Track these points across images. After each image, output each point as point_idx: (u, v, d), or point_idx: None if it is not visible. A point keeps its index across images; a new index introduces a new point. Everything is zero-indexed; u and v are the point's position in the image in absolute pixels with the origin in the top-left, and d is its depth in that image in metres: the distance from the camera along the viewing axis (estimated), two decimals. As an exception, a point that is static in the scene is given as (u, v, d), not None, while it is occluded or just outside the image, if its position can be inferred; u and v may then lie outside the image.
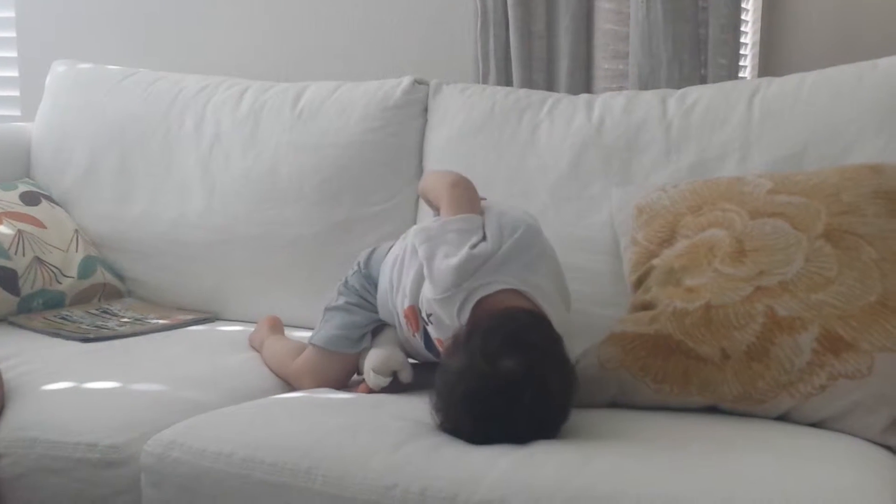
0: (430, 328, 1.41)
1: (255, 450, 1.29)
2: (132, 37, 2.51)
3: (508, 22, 2.08)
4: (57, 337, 1.82)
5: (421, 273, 1.41)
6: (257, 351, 1.79)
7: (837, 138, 1.62)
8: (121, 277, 2.12)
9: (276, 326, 1.87)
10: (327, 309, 1.63)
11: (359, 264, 1.65)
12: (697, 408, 1.42)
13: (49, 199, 2.14)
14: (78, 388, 1.53)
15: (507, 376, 1.24)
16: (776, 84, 1.73)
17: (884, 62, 1.65)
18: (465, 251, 1.36)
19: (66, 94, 2.28)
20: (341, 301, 1.62)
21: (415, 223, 1.94)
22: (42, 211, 2.07)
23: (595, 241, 1.73)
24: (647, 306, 1.48)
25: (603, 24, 2.05)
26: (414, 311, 1.44)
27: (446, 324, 1.36)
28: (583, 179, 1.80)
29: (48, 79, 2.33)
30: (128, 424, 1.40)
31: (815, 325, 1.34)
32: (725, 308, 1.39)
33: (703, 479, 1.14)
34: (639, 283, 1.55)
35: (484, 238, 1.39)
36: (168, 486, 1.33)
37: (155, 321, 1.96)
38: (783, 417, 1.38)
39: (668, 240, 1.54)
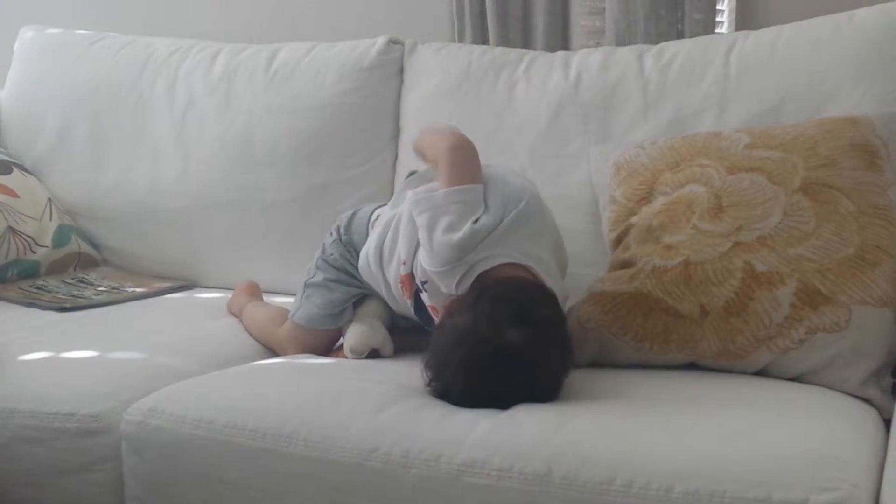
0: (423, 295, 1.40)
1: (236, 416, 1.28)
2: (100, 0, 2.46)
3: (483, -22, 2.06)
4: (33, 307, 1.81)
5: (417, 240, 1.39)
6: (236, 317, 1.78)
7: (815, 91, 1.62)
8: (96, 246, 2.10)
9: (254, 292, 1.86)
10: (307, 285, 1.61)
11: (338, 230, 1.62)
12: (678, 365, 1.42)
13: (21, 167, 2.10)
14: (55, 357, 1.51)
15: (510, 348, 1.23)
16: (752, 38, 1.72)
17: (860, 13, 1.65)
18: (467, 226, 1.33)
19: (35, 60, 2.24)
20: (320, 277, 1.60)
21: (393, 186, 1.94)
22: (14, 180, 2.04)
23: (574, 199, 1.73)
24: (626, 264, 1.48)
25: (579, -21, 2.04)
26: (409, 279, 1.42)
27: (442, 292, 1.36)
28: (561, 138, 1.79)
29: (16, 45, 2.28)
30: (107, 393, 1.39)
31: (794, 280, 1.35)
32: (704, 264, 1.39)
33: (682, 435, 1.15)
34: (618, 241, 1.54)
35: (486, 209, 1.36)
36: (149, 454, 1.32)
37: (132, 290, 1.94)
38: (762, 372, 1.39)
39: (646, 197, 1.54)
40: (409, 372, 1.35)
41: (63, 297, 1.86)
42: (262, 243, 1.98)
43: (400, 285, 1.46)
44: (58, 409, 1.37)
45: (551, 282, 1.36)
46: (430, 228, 1.36)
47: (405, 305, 1.48)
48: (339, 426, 1.23)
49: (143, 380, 1.43)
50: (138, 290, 1.94)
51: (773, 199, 1.40)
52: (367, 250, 1.53)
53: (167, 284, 1.99)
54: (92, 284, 1.96)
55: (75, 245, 2.05)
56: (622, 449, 1.12)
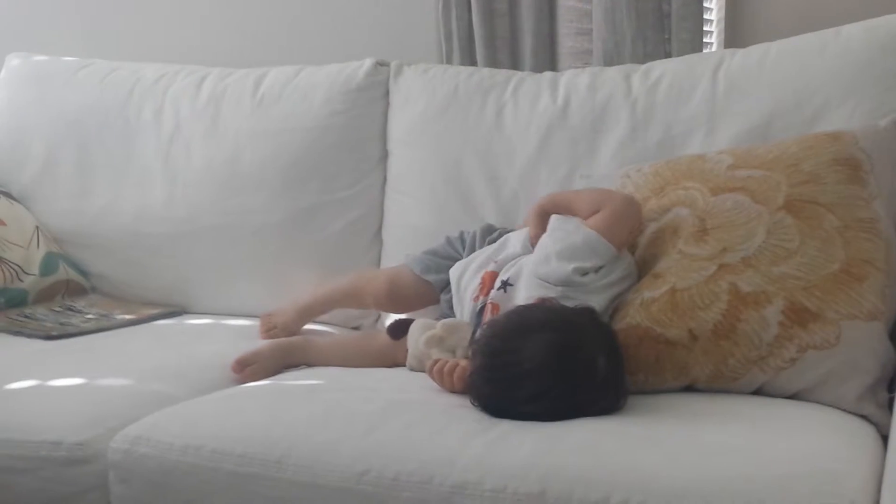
0: (496, 293, 1.46)
1: (224, 441, 1.27)
2: (87, 26, 2.46)
3: (470, 0, 2.06)
4: (19, 335, 1.79)
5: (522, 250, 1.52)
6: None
7: (803, 108, 1.62)
8: (84, 273, 2.08)
9: None
10: None
11: (490, 228, 1.68)
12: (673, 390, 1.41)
13: (8, 195, 2.09)
14: (42, 386, 1.50)
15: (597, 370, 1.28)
16: (740, 56, 1.72)
17: (846, 30, 1.65)
18: (575, 268, 1.41)
19: (22, 87, 2.23)
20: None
21: (382, 208, 1.93)
22: (1, 208, 2.03)
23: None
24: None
25: (566, 0, 2.04)
26: (492, 277, 1.50)
27: (517, 301, 1.43)
28: (551, 162, 1.79)
29: (2, 72, 2.27)
30: (93, 420, 1.37)
31: (780, 298, 1.33)
32: (690, 290, 1.38)
33: (678, 453, 1.14)
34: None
35: (599, 269, 1.42)
36: (137, 482, 1.30)
37: (120, 317, 1.92)
38: (758, 393, 1.38)
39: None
40: (397, 384, 1.35)
41: (50, 325, 1.85)
42: (251, 267, 1.97)
43: (480, 283, 1.51)
44: (44, 437, 1.35)
45: None
46: (556, 244, 1.45)
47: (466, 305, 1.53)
48: (329, 449, 1.22)
49: (131, 407, 1.41)
50: (127, 317, 1.93)
51: (757, 219, 1.39)
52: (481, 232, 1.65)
53: (156, 311, 1.98)
54: (80, 312, 1.94)
55: (63, 273, 2.03)
56: (617, 468, 1.11)
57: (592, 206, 1.46)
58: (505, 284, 1.47)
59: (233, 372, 1.59)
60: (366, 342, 1.69)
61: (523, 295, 1.43)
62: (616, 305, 1.44)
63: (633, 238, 1.51)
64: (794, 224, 1.38)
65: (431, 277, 1.65)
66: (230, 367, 1.59)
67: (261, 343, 1.69)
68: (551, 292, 1.40)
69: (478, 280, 1.54)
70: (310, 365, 1.66)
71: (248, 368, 1.60)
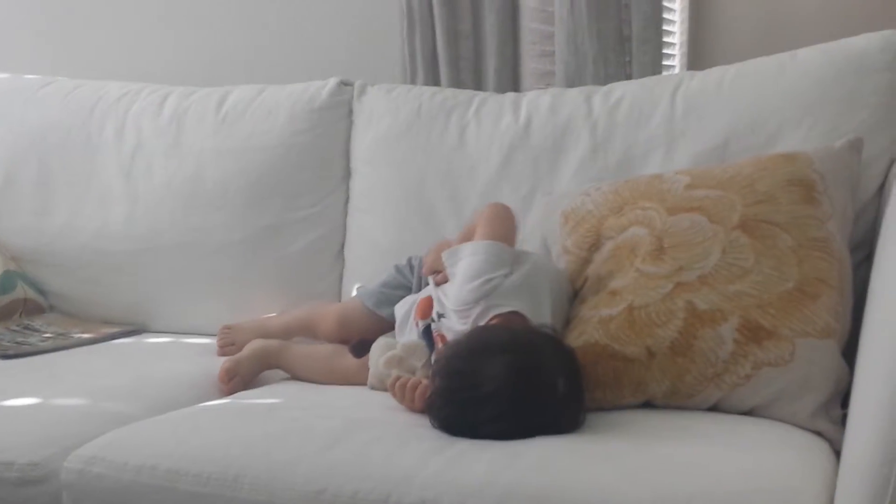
0: (434, 325, 1.48)
1: (180, 461, 1.26)
2: (49, 45, 2.46)
3: (435, 22, 2.08)
4: (-25, 355, 1.76)
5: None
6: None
7: (760, 129, 1.64)
8: (42, 292, 2.06)
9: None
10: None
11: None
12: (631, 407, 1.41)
13: (-35, 212, 2.07)
14: (-5, 406, 1.47)
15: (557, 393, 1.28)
16: (698, 78, 1.75)
17: (802, 53, 1.68)
18: (484, 279, 1.42)
19: (-18, 105, 2.21)
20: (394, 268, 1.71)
21: (344, 227, 1.93)
22: (-42, 225, 2.01)
23: (527, 244, 1.72)
24: (576, 316, 1.47)
25: (529, 22, 2.07)
26: (428, 303, 1.51)
27: (456, 329, 1.42)
28: (512, 181, 1.80)
29: (-37, 90, 2.25)
30: (47, 440, 1.35)
31: (735, 316, 1.35)
32: (647, 307, 1.39)
33: (633, 470, 1.14)
34: (574, 295, 1.54)
35: (511, 272, 1.43)
36: (91, 503, 1.28)
37: (79, 335, 1.91)
38: (714, 409, 1.39)
39: (595, 244, 1.54)
40: (357, 402, 1.34)
41: (7, 344, 1.82)
42: (213, 286, 1.96)
43: (416, 308, 1.53)
44: (-4, 457, 1.32)
45: None
46: (459, 273, 1.46)
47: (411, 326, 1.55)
48: (286, 468, 1.21)
49: (86, 426, 1.39)
50: (85, 335, 1.91)
51: (713, 238, 1.41)
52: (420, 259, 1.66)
53: (115, 329, 1.96)
54: (38, 331, 1.92)
55: (21, 291, 2.01)
56: (574, 485, 1.11)
57: (473, 227, 1.53)
58: (440, 315, 1.48)
59: (220, 382, 1.59)
60: (335, 360, 1.68)
61: (455, 325, 1.44)
62: (567, 318, 1.46)
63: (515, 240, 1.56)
64: (749, 243, 1.39)
65: (385, 312, 1.65)
66: (218, 378, 1.59)
67: (242, 351, 1.70)
68: (475, 310, 1.40)
69: (415, 305, 1.56)
70: (282, 369, 1.68)
71: (233, 380, 1.60)
